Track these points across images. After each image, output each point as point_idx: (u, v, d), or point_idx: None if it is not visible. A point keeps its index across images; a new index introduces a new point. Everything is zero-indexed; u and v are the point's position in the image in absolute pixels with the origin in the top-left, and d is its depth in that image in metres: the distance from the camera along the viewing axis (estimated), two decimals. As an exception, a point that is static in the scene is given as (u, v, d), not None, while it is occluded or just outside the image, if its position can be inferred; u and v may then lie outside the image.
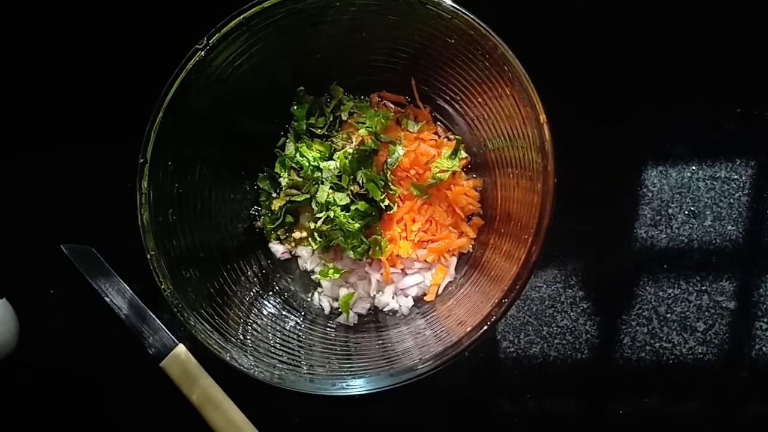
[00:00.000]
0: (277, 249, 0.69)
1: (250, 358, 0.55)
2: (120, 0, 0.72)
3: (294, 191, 0.66)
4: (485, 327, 0.51)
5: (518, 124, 0.55)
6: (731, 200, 0.69)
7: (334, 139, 0.67)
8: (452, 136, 0.68)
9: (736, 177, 0.69)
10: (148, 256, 0.55)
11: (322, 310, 0.68)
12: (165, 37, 0.66)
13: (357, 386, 0.52)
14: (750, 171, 0.69)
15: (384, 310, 0.67)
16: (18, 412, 0.71)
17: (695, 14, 0.71)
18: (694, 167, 0.70)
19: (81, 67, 0.73)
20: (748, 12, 0.70)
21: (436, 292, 0.66)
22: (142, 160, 0.55)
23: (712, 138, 0.70)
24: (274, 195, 0.68)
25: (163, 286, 0.55)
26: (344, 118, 0.68)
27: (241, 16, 0.55)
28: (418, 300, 0.67)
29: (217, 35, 0.55)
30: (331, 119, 0.68)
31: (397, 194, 0.65)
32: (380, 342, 0.62)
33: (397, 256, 0.65)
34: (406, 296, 0.66)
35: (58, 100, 0.73)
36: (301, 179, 0.66)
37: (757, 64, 0.70)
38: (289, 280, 0.69)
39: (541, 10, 0.71)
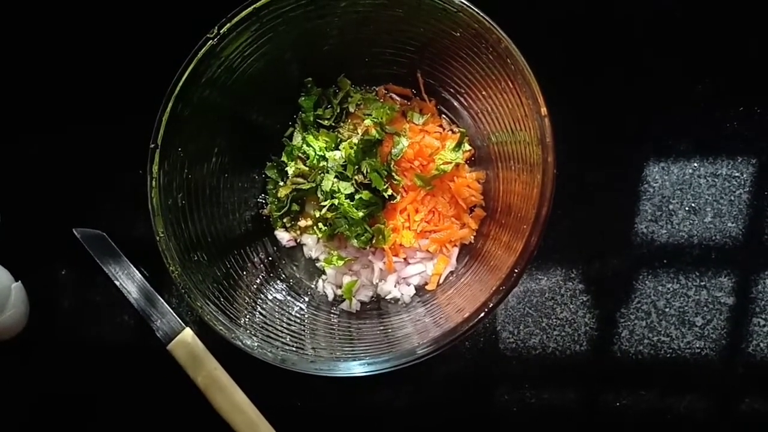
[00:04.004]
0: (283, 237, 0.70)
1: (255, 339, 0.56)
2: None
3: (300, 180, 0.67)
4: (482, 314, 0.52)
5: (520, 116, 0.56)
6: (732, 197, 0.70)
7: (340, 130, 0.68)
8: (456, 129, 0.69)
9: (737, 174, 0.70)
10: (157, 239, 0.56)
11: (326, 296, 0.69)
12: (176, 26, 0.68)
13: (357, 368, 0.53)
14: (751, 169, 0.70)
15: (386, 298, 0.68)
16: (26, 390, 0.73)
17: (699, 11, 0.71)
18: (695, 164, 0.70)
19: (96, 55, 0.74)
20: (753, 10, 0.71)
21: (438, 282, 0.67)
22: (153, 146, 0.56)
23: (714, 135, 0.70)
24: (281, 183, 0.70)
25: (171, 268, 0.56)
26: (351, 110, 0.69)
27: (252, 7, 0.56)
28: (420, 289, 0.68)
29: (227, 25, 0.56)
30: (338, 111, 0.69)
31: (401, 184, 0.66)
32: (381, 328, 0.63)
33: (400, 245, 0.66)
34: (408, 285, 0.68)
35: (72, 86, 0.75)
36: (307, 168, 0.67)
37: (760, 62, 0.71)
38: (294, 267, 0.70)
39: (545, 9, 0.72)
